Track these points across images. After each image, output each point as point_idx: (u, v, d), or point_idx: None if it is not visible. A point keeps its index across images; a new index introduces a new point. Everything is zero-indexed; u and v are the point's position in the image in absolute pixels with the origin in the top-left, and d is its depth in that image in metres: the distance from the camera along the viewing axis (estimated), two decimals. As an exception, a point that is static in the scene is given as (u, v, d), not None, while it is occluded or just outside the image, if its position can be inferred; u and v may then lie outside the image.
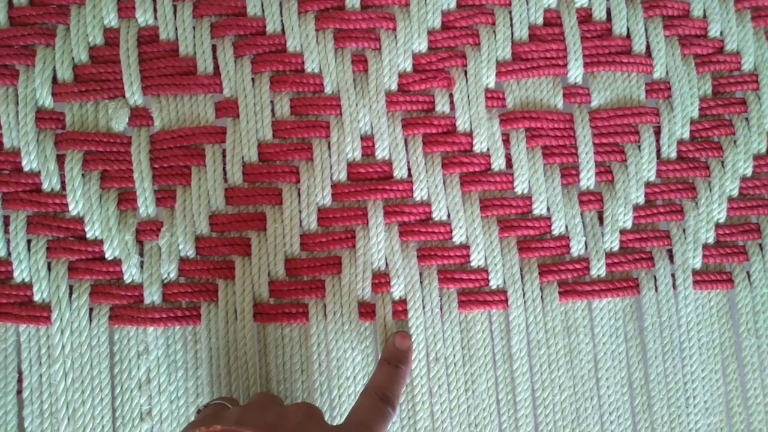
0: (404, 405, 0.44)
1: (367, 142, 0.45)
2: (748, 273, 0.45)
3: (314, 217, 0.44)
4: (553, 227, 0.45)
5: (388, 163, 0.45)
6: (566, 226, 0.45)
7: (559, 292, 0.44)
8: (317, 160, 0.44)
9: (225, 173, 0.44)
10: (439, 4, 0.46)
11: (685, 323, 0.45)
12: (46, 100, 0.44)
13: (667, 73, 0.47)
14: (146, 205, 0.44)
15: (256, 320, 0.43)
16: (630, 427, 0.44)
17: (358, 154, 0.45)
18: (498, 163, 0.45)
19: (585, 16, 0.47)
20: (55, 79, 0.44)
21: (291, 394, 0.43)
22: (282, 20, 0.45)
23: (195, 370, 0.43)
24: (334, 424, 0.41)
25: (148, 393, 0.43)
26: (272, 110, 0.45)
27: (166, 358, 0.43)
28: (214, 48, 0.45)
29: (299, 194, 0.44)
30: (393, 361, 0.41)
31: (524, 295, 0.44)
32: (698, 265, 0.45)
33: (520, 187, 0.45)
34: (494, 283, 0.44)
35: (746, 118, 0.47)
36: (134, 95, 0.44)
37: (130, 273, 0.43)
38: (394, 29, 0.46)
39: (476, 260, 0.44)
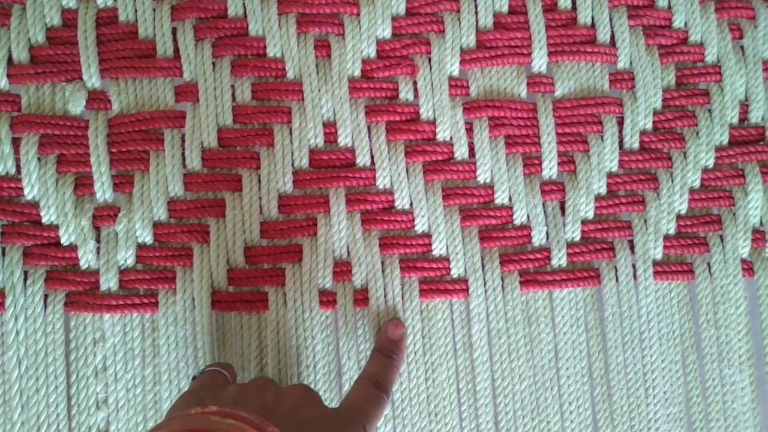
0: (364, 394, 0.43)
1: (330, 128, 0.44)
2: (708, 264, 0.46)
3: (275, 204, 0.44)
4: (514, 217, 0.45)
5: (350, 151, 0.44)
6: (528, 216, 0.45)
7: (520, 282, 0.44)
8: (278, 146, 0.44)
9: (184, 159, 0.44)
10: (404, -9, 0.45)
11: (645, 314, 0.45)
12: (1, 82, 0.43)
13: (631, 63, 0.47)
14: (103, 190, 0.43)
15: (214, 308, 0.43)
16: (590, 417, 0.44)
17: (320, 141, 0.44)
18: (461, 151, 0.45)
19: (550, 5, 0.47)
20: (10, 60, 0.43)
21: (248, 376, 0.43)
22: (244, 4, 0.45)
23: (152, 357, 0.43)
24: None
25: (105, 381, 0.42)
26: (233, 95, 0.44)
27: (122, 346, 0.42)
28: (174, 31, 0.44)
29: (260, 181, 0.44)
30: (386, 352, 0.41)
31: (485, 284, 0.44)
32: (659, 256, 0.45)
33: (483, 176, 0.45)
34: (455, 272, 0.44)
35: (709, 110, 0.47)
36: (92, 78, 0.43)
37: (87, 259, 0.43)
38: (358, 15, 0.45)
39: (438, 249, 0.44)
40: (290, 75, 0.45)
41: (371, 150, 0.44)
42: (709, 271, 0.45)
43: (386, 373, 0.39)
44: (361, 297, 0.43)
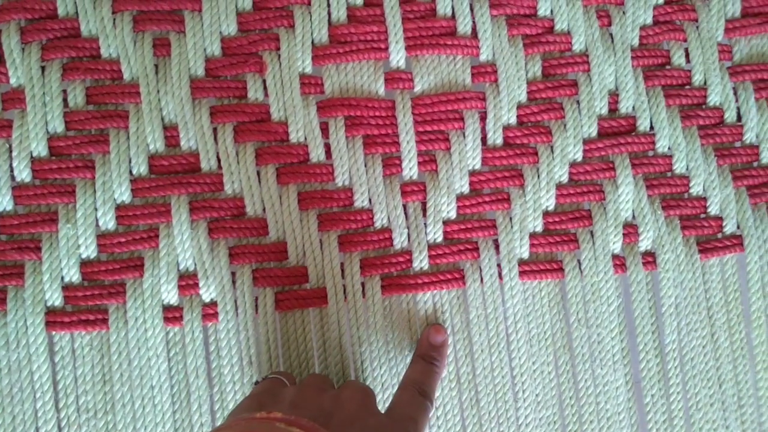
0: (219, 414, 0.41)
1: (171, 131, 0.42)
2: (578, 261, 0.44)
3: (112, 216, 0.41)
4: (375, 220, 0.43)
5: (194, 155, 0.42)
6: (388, 218, 0.43)
7: (382, 287, 0.42)
8: (114, 152, 0.41)
9: (12, 170, 0.40)
10: (250, -16, 0.43)
11: (512, 315, 0.43)
12: None
13: (493, 55, 0.45)
14: (-77, 207, 0.40)
15: (48, 329, 0.40)
16: (459, 423, 0.43)
17: (160, 146, 0.42)
18: (316, 153, 0.43)
19: (408, -4, 0.44)
20: None
21: (93, 407, 0.40)
22: (75, 3, 0.42)
23: (-11, 385, 0.40)
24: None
25: None
26: (65, 100, 0.41)
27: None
28: (-2, 33, 0.41)
29: (95, 191, 0.41)
30: (428, 358, 0.40)
31: (345, 291, 0.42)
32: (526, 255, 0.43)
33: (341, 178, 0.43)
34: (314, 279, 0.42)
35: (577, 101, 0.45)
36: None
37: None
38: (200, 10, 0.42)
39: (294, 257, 0.42)
40: (127, 76, 0.42)
41: (218, 153, 0.42)
42: (580, 269, 0.44)
43: (429, 380, 0.39)
44: (211, 311, 0.41)
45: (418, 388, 0.37)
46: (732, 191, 0.45)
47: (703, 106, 0.46)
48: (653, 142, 0.45)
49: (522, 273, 0.43)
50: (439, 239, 0.43)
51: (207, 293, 0.41)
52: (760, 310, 0.45)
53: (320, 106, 0.43)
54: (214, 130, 0.42)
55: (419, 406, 0.36)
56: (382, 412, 0.36)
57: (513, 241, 0.43)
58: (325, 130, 0.43)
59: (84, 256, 0.40)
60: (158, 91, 0.41)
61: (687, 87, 0.46)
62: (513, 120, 0.44)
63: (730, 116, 0.46)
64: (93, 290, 0.40)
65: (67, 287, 0.40)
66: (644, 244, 0.44)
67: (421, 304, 0.43)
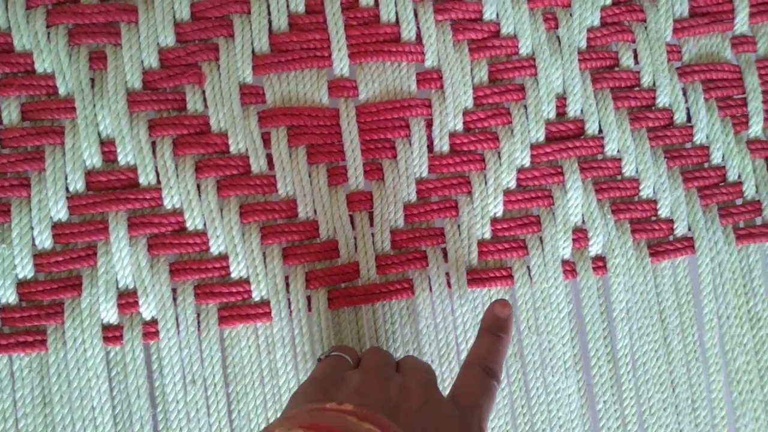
0: (164, 432, 0.40)
1: (109, 146, 0.41)
2: (528, 268, 0.44)
3: (48, 234, 0.40)
4: (320, 231, 0.42)
5: (132, 170, 0.41)
6: (334, 229, 0.42)
7: (329, 299, 0.42)
8: (50, 169, 0.40)
9: (-56, 190, 0.40)
10: (187, -7, 0.42)
11: (462, 324, 0.43)
12: None
13: (439, 60, 0.44)
14: None
15: (-15, 352, 0.39)
16: (411, 437, 0.42)
17: (97, 161, 0.41)
18: (258, 164, 0.42)
19: (350, 2, 0.44)
20: None
21: (33, 430, 0.39)
22: (8, 17, 0.41)
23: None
24: None
25: None
26: (-1, 117, 0.40)
27: None
28: (-74, 49, 0.40)
29: (30, 209, 0.40)
30: (494, 329, 0.37)
31: (290, 305, 0.41)
32: (474, 263, 0.43)
33: (284, 189, 0.42)
34: (257, 294, 0.41)
35: (524, 106, 0.45)
36: None
37: None
38: (137, 22, 0.41)
39: (237, 271, 0.41)
40: (62, 91, 0.41)
41: (156, 167, 0.41)
42: (529, 275, 0.43)
43: (496, 355, 0.36)
44: (152, 330, 0.40)
45: (483, 366, 0.35)
46: (683, 193, 0.45)
47: (653, 108, 0.46)
48: (602, 146, 0.45)
49: (471, 281, 0.43)
50: (387, 248, 0.42)
51: (147, 311, 0.40)
52: (713, 312, 0.45)
53: (262, 116, 0.42)
54: (153, 143, 0.41)
55: (485, 387, 0.34)
56: (445, 395, 0.34)
57: (461, 249, 0.43)
58: (267, 140, 0.42)
59: (21, 276, 0.40)
60: (94, 106, 0.41)
61: (636, 89, 0.46)
62: (459, 126, 0.44)
63: (679, 117, 0.46)
64: (30, 311, 0.39)
65: (3, 309, 0.39)
66: (594, 248, 0.44)
67: (370, 316, 0.42)
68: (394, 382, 0.33)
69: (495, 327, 0.37)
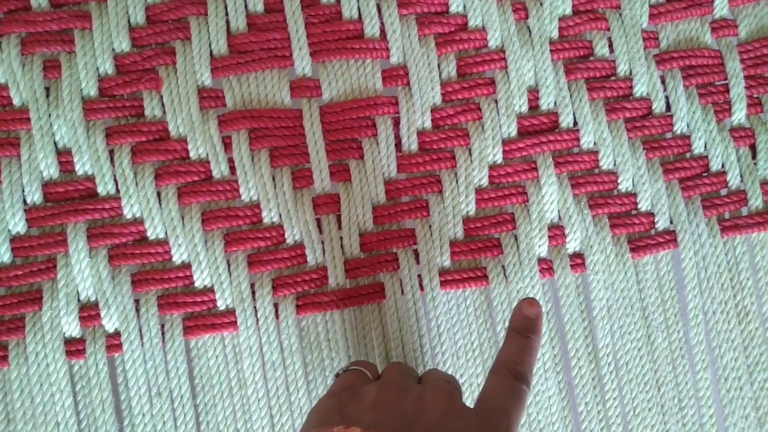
0: (132, 446, 0.39)
1: (66, 156, 0.40)
2: (503, 267, 0.42)
3: (7, 248, 0.39)
4: (286, 236, 0.41)
5: (91, 179, 0.40)
6: (301, 233, 0.41)
7: (297, 306, 0.40)
8: (6, 182, 0.39)
9: None
10: (141, -4, 0.41)
11: (436, 326, 0.41)
12: None
13: (404, 56, 0.43)
14: None
15: (-57, 370, 0.38)
16: (386, 445, 0.41)
17: (54, 172, 0.40)
18: (219, 169, 0.41)
19: (310, 0, 0.42)
20: None
21: (-1, 448, 0.39)
22: (-41, 26, 0.40)
23: None
24: None
25: None
26: (-47, 130, 0.39)
27: None
28: None
29: (-13, 223, 0.39)
30: (522, 330, 0.35)
31: (257, 313, 0.40)
32: (447, 263, 0.42)
33: (247, 194, 0.41)
34: (222, 303, 0.40)
35: (495, 100, 0.43)
36: None
37: None
38: (90, 28, 0.40)
39: (201, 280, 0.40)
40: (17, 102, 0.40)
41: (115, 176, 0.40)
42: (504, 275, 0.42)
43: (526, 357, 0.34)
44: (116, 342, 0.39)
45: (512, 370, 0.33)
46: (663, 185, 0.43)
47: (630, 98, 0.44)
48: (578, 139, 0.43)
49: (444, 282, 0.41)
50: (357, 252, 0.41)
51: (110, 323, 0.39)
52: (698, 307, 0.43)
53: (222, 119, 0.41)
54: (111, 152, 0.40)
55: (513, 393, 0.32)
56: (470, 404, 0.33)
57: (433, 250, 0.41)
58: (228, 144, 0.41)
59: (-21, 291, 0.39)
60: (50, 116, 0.40)
61: (612, 78, 0.44)
62: (428, 124, 0.42)
63: (658, 106, 0.44)
64: (-10, 327, 0.39)
65: (-38, 325, 0.38)
66: (572, 245, 0.42)
67: (340, 322, 0.41)
68: (412, 394, 0.32)
69: (523, 328, 0.35)
